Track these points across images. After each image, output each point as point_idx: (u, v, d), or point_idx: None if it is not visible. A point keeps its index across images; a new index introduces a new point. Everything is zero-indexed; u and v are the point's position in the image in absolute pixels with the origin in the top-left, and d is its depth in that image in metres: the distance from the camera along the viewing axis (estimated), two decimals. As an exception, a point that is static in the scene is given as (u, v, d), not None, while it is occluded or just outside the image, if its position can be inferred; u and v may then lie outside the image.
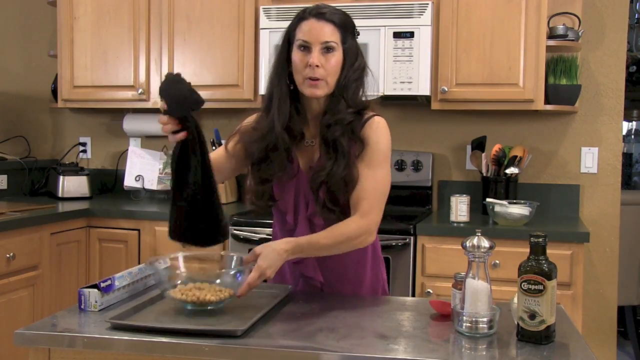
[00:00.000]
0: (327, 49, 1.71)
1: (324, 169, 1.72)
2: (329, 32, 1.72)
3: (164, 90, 1.53)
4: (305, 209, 1.78)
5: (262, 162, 1.77)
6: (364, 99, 1.78)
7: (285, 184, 1.79)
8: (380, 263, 1.92)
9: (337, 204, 1.73)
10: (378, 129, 1.77)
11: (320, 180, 1.71)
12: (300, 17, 1.76)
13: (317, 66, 1.69)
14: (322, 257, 1.77)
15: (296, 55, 1.73)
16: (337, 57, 1.73)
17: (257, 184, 1.79)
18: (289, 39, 1.78)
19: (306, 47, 1.72)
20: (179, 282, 1.58)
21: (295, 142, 1.78)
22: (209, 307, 1.54)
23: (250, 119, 1.89)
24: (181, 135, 1.54)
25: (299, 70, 1.73)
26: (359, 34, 1.81)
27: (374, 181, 1.74)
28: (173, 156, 1.58)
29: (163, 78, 1.56)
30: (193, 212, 1.58)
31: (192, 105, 1.52)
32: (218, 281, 1.57)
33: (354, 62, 1.76)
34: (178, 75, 1.53)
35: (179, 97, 1.51)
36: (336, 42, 1.72)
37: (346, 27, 1.75)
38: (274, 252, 1.62)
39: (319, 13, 1.73)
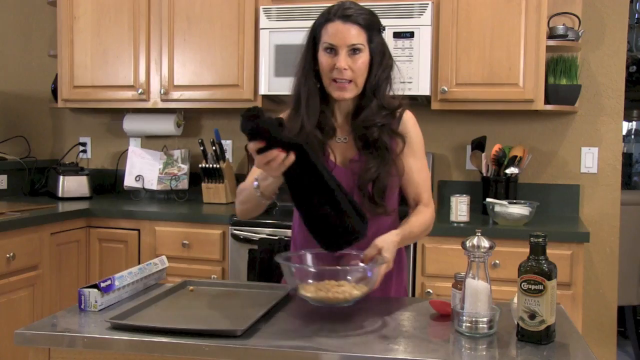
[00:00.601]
0: (354, 50, 1.72)
1: (370, 168, 1.73)
2: (355, 35, 1.71)
3: (252, 127, 1.48)
4: None
5: None
6: (391, 93, 1.80)
7: None
8: (404, 265, 1.94)
9: (384, 198, 1.75)
10: (415, 124, 1.84)
11: (369, 178, 1.73)
12: (326, 17, 1.75)
13: (345, 69, 1.70)
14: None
15: (323, 58, 1.74)
16: (364, 58, 1.73)
17: None
18: (314, 38, 1.77)
19: (332, 50, 1.72)
20: (310, 280, 1.56)
21: (328, 138, 1.79)
22: (345, 304, 1.53)
23: None
24: (292, 156, 1.49)
25: (325, 73, 1.74)
26: (384, 29, 1.81)
27: (424, 172, 1.84)
28: (290, 179, 1.55)
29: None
30: (340, 212, 1.56)
31: (278, 127, 1.48)
32: (349, 277, 1.56)
33: (382, 60, 1.77)
34: (257, 109, 1.49)
35: (270, 125, 1.47)
36: (363, 44, 1.72)
37: (372, 27, 1.75)
38: (393, 244, 1.64)
39: (344, 15, 1.72)
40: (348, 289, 1.52)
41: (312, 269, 1.62)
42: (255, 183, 1.69)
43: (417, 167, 1.82)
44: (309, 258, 1.68)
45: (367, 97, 1.76)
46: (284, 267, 1.57)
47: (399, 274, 1.90)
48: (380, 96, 1.77)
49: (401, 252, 1.91)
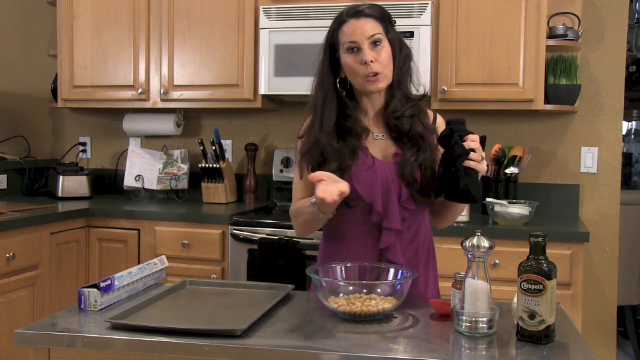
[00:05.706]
0: (375, 43, 1.74)
1: (409, 157, 1.75)
2: (372, 27, 1.74)
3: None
4: (397, 197, 1.76)
5: (323, 164, 1.76)
6: (413, 85, 1.82)
7: (363, 178, 1.76)
8: (436, 266, 1.93)
9: (432, 187, 1.76)
10: (442, 123, 1.84)
11: (411, 168, 1.74)
12: (339, 21, 1.78)
13: (372, 62, 1.72)
14: (406, 246, 1.78)
15: (348, 59, 1.75)
16: (386, 49, 1.76)
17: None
18: (332, 45, 1.79)
19: (355, 48, 1.74)
20: (341, 293, 1.56)
21: (363, 139, 1.79)
22: (375, 318, 1.52)
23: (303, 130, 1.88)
24: None
25: (356, 72, 1.74)
26: (395, 22, 1.83)
27: None
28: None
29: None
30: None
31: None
32: (379, 290, 1.56)
33: (401, 51, 1.80)
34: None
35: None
36: (381, 34, 1.75)
37: (385, 19, 1.79)
38: None
39: (356, 12, 1.76)
40: (379, 302, 1.52)
41: (343, 283, 1.63)
42: (314, 206, 1.69)
43: None
44: (338, 271, 1.68)
45: (393, 89, 1.79)
46: (314, 280, 1.58)
47: (435, 274, 1.90)
48: (404, 87, 1.80)
49: (434, 257, 1.91)
